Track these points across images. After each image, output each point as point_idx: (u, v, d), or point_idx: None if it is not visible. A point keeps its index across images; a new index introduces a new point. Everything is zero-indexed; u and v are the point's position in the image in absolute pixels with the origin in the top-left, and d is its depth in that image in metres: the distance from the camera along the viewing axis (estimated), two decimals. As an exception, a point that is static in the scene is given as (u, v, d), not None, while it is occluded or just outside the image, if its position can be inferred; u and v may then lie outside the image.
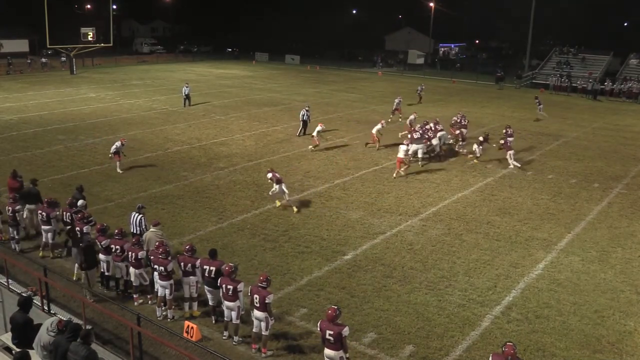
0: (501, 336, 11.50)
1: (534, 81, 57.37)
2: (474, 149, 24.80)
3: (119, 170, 22.24)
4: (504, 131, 24.89)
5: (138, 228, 14.30)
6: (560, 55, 61.18)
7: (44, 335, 8.84)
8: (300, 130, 29.84)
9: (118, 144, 22.44)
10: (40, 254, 15.00)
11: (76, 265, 13.55)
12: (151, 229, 13.73)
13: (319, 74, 64.01)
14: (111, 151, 22.37)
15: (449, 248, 16.00)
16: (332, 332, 9.39)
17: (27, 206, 15.90)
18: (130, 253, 12.51)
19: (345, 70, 69.13)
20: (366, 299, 13.04)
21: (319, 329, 9.78)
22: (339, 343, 9.40)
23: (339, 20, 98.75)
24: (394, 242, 16.35)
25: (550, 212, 19.19)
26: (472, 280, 14.08)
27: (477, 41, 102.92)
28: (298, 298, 13.02)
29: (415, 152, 24.28)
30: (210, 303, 12.01)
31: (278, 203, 18.90)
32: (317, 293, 13.24)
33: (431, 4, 76.19)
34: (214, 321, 11.96)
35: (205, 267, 11.74)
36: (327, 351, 9.54)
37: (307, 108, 30.76)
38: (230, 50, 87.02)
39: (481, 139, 24.95)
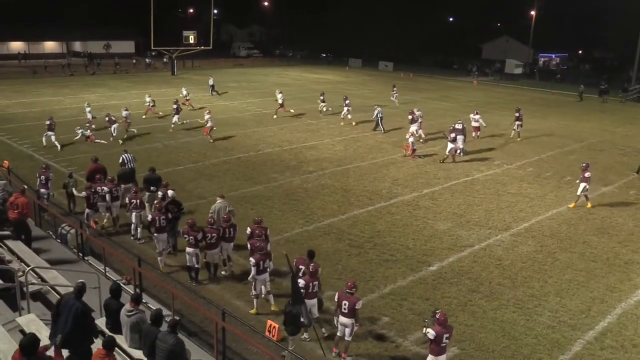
0: (593, 363, 10.91)
1: (642, 95, 54.09)
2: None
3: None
4: (583, 165, 22.31)
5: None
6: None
7: (124, 318, 9.28)
8: (376, 128, 32.13)
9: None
10: (105, 223, 17.00)
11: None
12: (218, 201, 15.38)
13: (412, 81, 63.43)
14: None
15: (540, 266, 15.37)
16: (347, 303, 10.49)
17: (123, 185, 17.70)
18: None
19: (439, 78, 68.13)
20: (450, 312, 12.74)
21: (336, 299, 10.76)
22: (351, 312, 10.51)
23: (435, 27, 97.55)
24: (482, 256, 15.91)
25: (653, 235, 18.03)
26: (564, 301, 13.44)
27: (579, 52, 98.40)
28: (380, 306, 12.93)
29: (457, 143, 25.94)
30: None
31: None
32: (400, 303, 13.09)
33: (532, 12, 73.69)
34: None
35: (300, 266, 11.87)
36: (342, 318, 10.64)
37: (380, 107, 33.00)
38: (324, 55, 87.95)
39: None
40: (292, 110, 36.71)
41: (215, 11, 70.64)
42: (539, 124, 36.82)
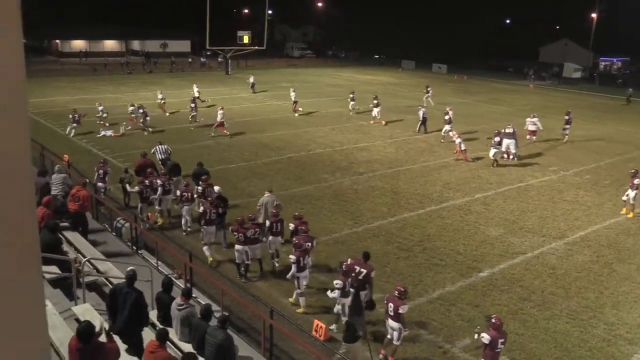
0: (651, 379, 10.49)
1: None
2: None
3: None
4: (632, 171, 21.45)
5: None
6: None
7: (174, 311, 9.45)
8: (420, 127, 32.28)
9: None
10: (162, 221, 17.15)
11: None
12: (266, 194, 15.96)
13: (466, 83, 62.50)
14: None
15: (596, 277, 14.88)
16: (392, 305, 10.56)
17: (174, 178, 18.49)
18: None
19: (493, 81, 66.86)
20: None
21: (385, 301, 10.91)
22: (396, 316, 10.55)
23: (491, 29, 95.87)
24: (535, 264, 15.51)
25: None
26: (621, 314, 12.97)
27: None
28: (428, 311, 12.78)
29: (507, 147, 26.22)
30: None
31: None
32: (449, 308, 12.90)
33: (593, 15, 71.52)
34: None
35: (355, 267, 11.85)
36: (390, 321, 10.69)
37: (424, 108, 33.80)
38: (377, 56, 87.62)
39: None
40: (300, 109, 37.26)
41: (270, 11, 71.37)
42: (598, 130, 35.72)
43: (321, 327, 11.16)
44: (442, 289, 13.83)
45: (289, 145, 27.86)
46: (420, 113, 32.37)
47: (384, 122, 34.41)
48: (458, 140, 25.95)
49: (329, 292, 11.77)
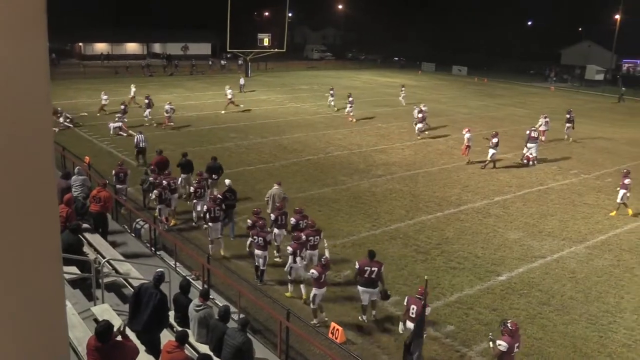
0: (672, 386, 10.34)
1: None
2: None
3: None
4: (624, 171, 21.34)
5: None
6: None
7: (192, 312, 9.54)
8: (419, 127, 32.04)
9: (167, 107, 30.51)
10: (173, 222, 17.22)
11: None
12: (275, 187, 16.47)
13: (486, 86, 62.08)
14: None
15: (616, 281, 14.72)
16: (416, 307, 10.49)
17: (183, 175, 19.47)
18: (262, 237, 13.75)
19: (514, 83, 66.29)
20: (519, 324, 12.38)
21: (405, 303, 10.92)
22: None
23: (511, 31, 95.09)
24: (554, 268, 15.38)
25: None
26: (642, 319, 12.82)
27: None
28: (446, 314, 12.74)
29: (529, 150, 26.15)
30: (365, 303, 12.27)
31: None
32: (466, 312, 12.84)
33: (616, 17, 70.61)
34: (364, 319, 12.26)
35: (366, 267, 11.97)
36: (409, 323, 10.61)
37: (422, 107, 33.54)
38: (396, 59, 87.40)
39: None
40: (241, 106, 37.67)
41: (290, 14, 71.52)
42: (620, 133, 35.28)
43: (337, 329, 11.19)
44: (460, 293, 13.78)
45: (307, 148, 27.93)
46: (415, 112, 32.85)
47: (354, 120, 35.28)
48: (468, 135, 25.77)
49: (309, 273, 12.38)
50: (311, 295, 12.19)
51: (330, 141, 29.58)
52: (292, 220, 14.62)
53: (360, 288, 12.15)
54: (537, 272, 15.10)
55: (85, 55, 72.96)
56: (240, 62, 64.95)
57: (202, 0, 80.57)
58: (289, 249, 13.05)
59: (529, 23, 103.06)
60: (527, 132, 26.72)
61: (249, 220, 14.43)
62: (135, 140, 23.23)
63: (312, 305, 12.24)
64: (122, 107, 30.26)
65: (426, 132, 31.69)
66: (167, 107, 31.45)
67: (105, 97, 34.45)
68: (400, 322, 11.09)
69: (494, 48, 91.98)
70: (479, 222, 18.67)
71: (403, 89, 43.86)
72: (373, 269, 11.97)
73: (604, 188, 22.99)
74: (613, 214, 19.82)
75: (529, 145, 26.12)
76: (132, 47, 78.22)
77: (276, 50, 62.60)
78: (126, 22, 76.44)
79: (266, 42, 61.45)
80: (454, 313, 12.79)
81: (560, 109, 44.50)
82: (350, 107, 35.86)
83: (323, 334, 10.77)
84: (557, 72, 73.30)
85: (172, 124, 31.24)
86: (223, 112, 36.52)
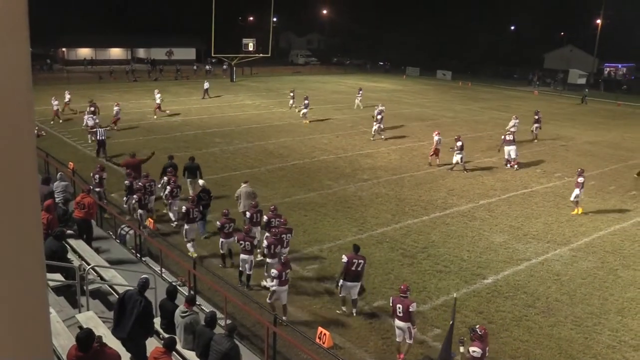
0: (656, 386, 10.44)
1: None
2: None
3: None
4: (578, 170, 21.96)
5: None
6: None
7: (177, 318, 9.48)
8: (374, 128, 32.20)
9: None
10: (150, 221, 17.02)
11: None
12: (243, 185, 17.06)
13: (471, 90, 62.49)
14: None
15: (601, 283, 14.84)
16: (401, 306, 10.59)
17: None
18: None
19: (498, 87, 66.82)
20: (505, 327, 12.47)
21: (390, 303, 10.95)
22: (407, 315, 10.62)
23: (495, 36, 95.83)
24: (539, 270, 15.49)
25: None
26: (626, 320, 12.93)
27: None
28: (432, 317, 12.77)
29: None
30: (342, 294, 12.60)
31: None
32: (453, 315, 12.86)
33: (598, 21, 71.45)
34: (344, 311, 12.64)
35: (354, 260, 12.25)
36: (398, 322, 10.76)
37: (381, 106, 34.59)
38: (381, 63, 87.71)
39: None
40: (167, 111, 36.85)
41: (275, 19, 71.60)
42: (603, 136, 35.68)
43: (325, 334, 11.17)
44: (447, 296, 13.81)
45: (293, 152, 27.91)
46: (376, 112, 33.40)
47: (307, 121, 35.95)
48: (437, 139, 25.97)
49: (266, 282, 12.70)
50: (270, 288, 12.38)
51: (316, 145, 29.59)
52: (265, 218, 14.97)
53: (345, 283, 12.42)
54: (523, 274, 15.19)
55: (69, 60, 72.48)
56: (225, 67, 64.85)
57: (187, 5, 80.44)
58: (265, 242, 13.48)
59: (512, 28, 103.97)
60: (502, 137, 27.10)
61: (217, 223, 14.89)
62: (97, 134, 25.12)
63: (268, 300, 12.32)
64: (92, 108, 29.73)
65: (382, 137, 31.50)
66: (115, 108, 31.47)
67: (55, 102, 33.21)
68: (393, 322, 11.11)
69: (478, 52, 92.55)
70: (465, 225, 18.76)
71: (360, 92, 43.94)
72: (360, 261, 12.39)
73: (587, 191, 23.14)
74: (574, 212, 20.25)
75: (506, 148, 26.36)
76: (116, 52, 77.80)
77: (261, 55, 62.58)
78: (110, 27, 75.98)
79: (251, 47, 61.46)
80: (441, 316, 12.82)
81: (544, 112, 44.86)
82: (306, 109, 36.35)
83: (310, 339, 10.74)
84: (541, 76, 74.03)
85: (116, 127, 31.09)
86: (155, 117, 35.62)
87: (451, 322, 9.72)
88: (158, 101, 36.05)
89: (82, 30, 71.95)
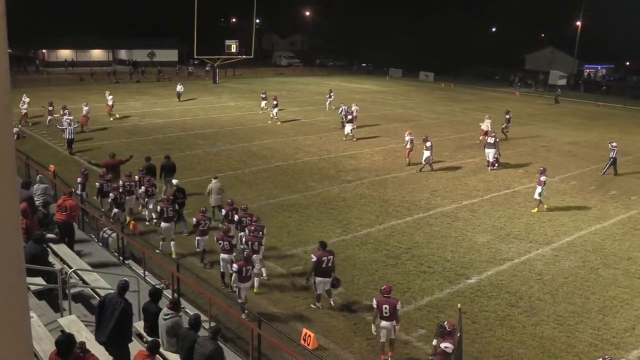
0: (637, 383, 10.56)
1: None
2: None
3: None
4: (540, 169, 22.52)
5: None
6: None
7: (160, 321, 9.41)
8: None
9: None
10: (128, 220, 17.38)
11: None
12: (213, 181, 17.50)
13: (453, 91, 62.87)
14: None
15: (582, 282, 14.99)
16: (388, 306, 10.63)
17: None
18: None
19: (480, 89, 67.26)
20: (488, 326, 12.55)
21: (375, 305, 10.85)
22: (394, 314, 10.72)
23: (477, 38, 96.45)
24: (522, 270, 15.61)
25: (703, 252, 17.39)
26: (607, 319, 13.08)
27: (627, 63, 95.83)
28: (417, 318, 12.81)
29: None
30: (319, 291, 12.79)
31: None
32: (437, 315, 12.93)
33: (578, 23, 72.27)
34: (318, 307, 12.85)
35: (323, 258, 12.50)
36: (383, 322, 10.74)
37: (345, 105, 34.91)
38: (364, 65, 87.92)
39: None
40: (117, 115, 36.25)
41: (258, 21, 71.44)
42: (583, 137, 36.07)
43: (309, 335, 11.16)
44: (430, 296, 13.87)
45: (277, 154, 27.86)
46: (340, 109, 34.38)
47: (279, 122, 36.18)
48: (408, 138, 26.13)
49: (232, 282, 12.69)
50: (234, 287, 12.49)
51: (299, 147, 29.57)
52: (235, 217, 15.24)
53: (317, 279, 12.64)
54: (506, 274, 15.30)
55: (49, 62, 71.73)
56: (207, 68, 64.59)
57: (169, 6, 79.94)
58: (242, 238, 13.80)
59: (493, 29, 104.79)
60: (486, 138, 27.47)
61: (194, 219, 15.17)
62: (66, 132, 26.21)
63: (239, 300, 12.35)
64: (66, 111, 29.18)
65: (354, 139, 31.49)
66: (84, 108, 31.52)
67: (26, 100, 32.71)
68: (373, 325, 11.11)
69: (460, 54, 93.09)
70: (448, 226, 18.85)
71: (331, 93, 44.00)
72: (329, 257, 12.64)
73: (568, 191, 23.45)
74: (535, 210, 20.52)
75: (487, 150, 26.50)
76: (97, 54, 77.18)
77: (244, 56, 62.41)
78: (91, 28, 75.33)
79: (234, 49, 61.26)
80: (425, 317, 12.86)
81: (524, 113, 45.36)
82: (275, 109, 36.54)
83: (295, 341, 10.72)
84: (522, 77, 74.69)
85: (85, 127, 31.17)
86: (112, 119, 35.25)
87: (459, 335, 9.45)
88: (110, 103, 35.73)
89: (62, 31, 71.28)
